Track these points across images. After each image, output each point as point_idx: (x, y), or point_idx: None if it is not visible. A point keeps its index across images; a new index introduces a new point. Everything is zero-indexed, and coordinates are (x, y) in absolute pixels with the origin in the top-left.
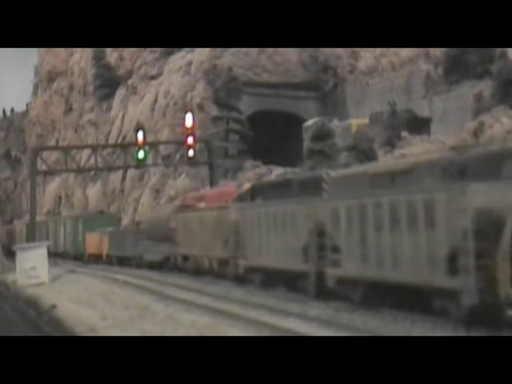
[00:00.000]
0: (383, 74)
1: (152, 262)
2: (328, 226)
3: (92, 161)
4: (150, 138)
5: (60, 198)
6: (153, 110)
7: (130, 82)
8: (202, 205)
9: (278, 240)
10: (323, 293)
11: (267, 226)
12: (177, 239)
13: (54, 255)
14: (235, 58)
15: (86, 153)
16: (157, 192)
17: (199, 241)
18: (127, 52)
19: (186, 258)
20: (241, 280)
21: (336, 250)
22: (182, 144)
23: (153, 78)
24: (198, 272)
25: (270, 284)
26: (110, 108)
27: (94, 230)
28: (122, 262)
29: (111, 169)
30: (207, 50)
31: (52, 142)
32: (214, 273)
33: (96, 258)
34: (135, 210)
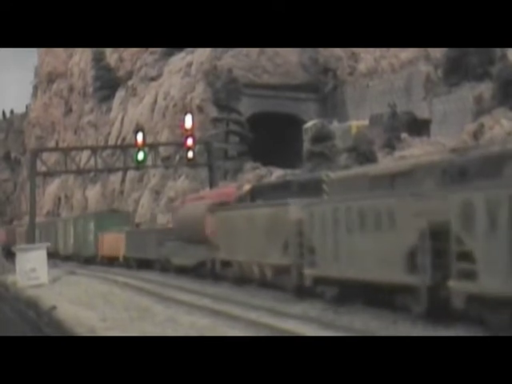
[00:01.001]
0: (383, 76)
1: (182, 267)
2: (455, 225)
3: (92, 162)
4: (149, 140)
5: (59, 199)
6: (152, 111)
7: (129, 83)
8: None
9: (367, 244)
10: (439, 313)
11: (348, 225)
12: (215, 242)
13: (65, 258)
14: (235, 60)
15: (85, 154)
16: (156, 193)
17: (246, 244)
18: (127, 53)
19: (226, 263)
20: (304, 292)
21: (466, 257)
22: (181, 145)
23: (152, 79)
24: (243, 281)
25: (347, 299)
26: (109, 109)
27: (106, 229)
28: (142, 265)
29: (111, 170)
30: (207, 51)
31: (52, 144)
32: (267, 283)
33: (110, 261)
34: (135, 211)
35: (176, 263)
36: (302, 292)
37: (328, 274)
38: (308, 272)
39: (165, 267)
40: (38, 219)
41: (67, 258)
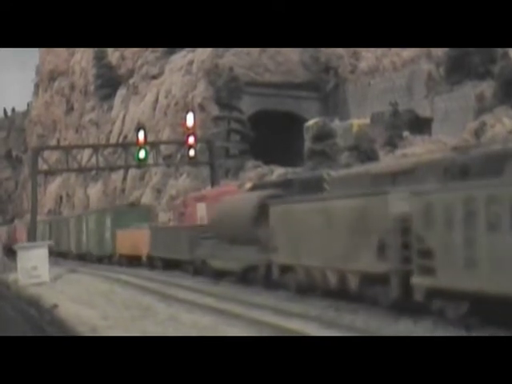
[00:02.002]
0: (385, 74)
1: (224, 271)
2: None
3: (93, 160)
4: (151, 138)
5: (61, 197)
6: (154, 109)
7: (131, 81)
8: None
9: None
10: None
11: (492, 220)
12: (271, 242)
13: (78, 257)
14: (237, 58)
15: (87, 152)
16: (158, 192)
17: (317, 245)
18: (128, 52)
19: (287, 268)
20: (407, 307)
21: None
22: (183, 144)
23: (154, 77)
24: (311, 290)
25: (480, 319)
26: (111, 108)
27: (125, 225)
28: (170, 265)
29: (112, 168)
30: (208, 49)
31: (53, 142)
32: (350, 294)
33: (130, 260)
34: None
35: (216, 266)
36: (404, 307)
37: (455, 285)
38: (419, 281)
39: (199, 270)
40: (40, 217)
41: (80, 257)
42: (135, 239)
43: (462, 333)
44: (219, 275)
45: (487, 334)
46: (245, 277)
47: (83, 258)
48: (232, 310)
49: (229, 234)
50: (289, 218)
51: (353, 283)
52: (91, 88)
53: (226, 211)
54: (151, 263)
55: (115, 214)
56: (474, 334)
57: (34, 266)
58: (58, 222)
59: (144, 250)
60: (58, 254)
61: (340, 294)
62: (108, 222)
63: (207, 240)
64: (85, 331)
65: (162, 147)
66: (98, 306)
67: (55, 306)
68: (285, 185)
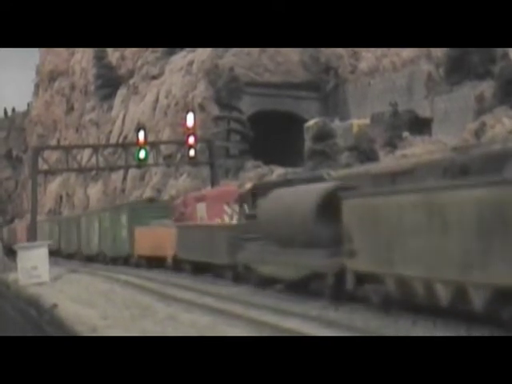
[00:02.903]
0: (384, 75)
1: (278, 279)
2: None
3: (93, 160)
4: (151, 138)
5: (61, 197)
6: (154, 109)
7: (131, 81)
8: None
9: None
10: None
11: None
12: (345, 244)
13: (86, 259)
14: (237, 58)
15: (87, 152)
16: (158, 192)
17: (419, 248)
18: (129, 52)
19: (368, 278)
20: None
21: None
22: (183, 144)
23: (154, 77)
24: (403, 305)
25: None
26: (111, 108)
27: (143, 223)
28: (202, 269)
29: (112, 168)
30: (209, 49)
31: (53, 142)
32: (472, 315)
33: (149, 261)
34: None
35: (264, 273)
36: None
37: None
38: None
39: (241, 277)
40: (48, 216)
41: (89, 259)
42: (158, 238)
43: (464, 332)
44: (267, 283)
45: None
46: (303, 286)
47: (94, 259)
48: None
49: (282, 234)
50: (373, 215)
51: (478, 300)
52: (91, 88)
53: (279, 207)
54: (178, 266)
55: (132, 211)
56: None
57: (34, 266)
58: (67, 221)
59: (169, 251)
60: (67, 256)
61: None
62: (124, 219)
63: (252, 242)
64: (84, 331)
65: (162, 147)
66: (98, 306)
67: (55, 305)
68: (285, 185)
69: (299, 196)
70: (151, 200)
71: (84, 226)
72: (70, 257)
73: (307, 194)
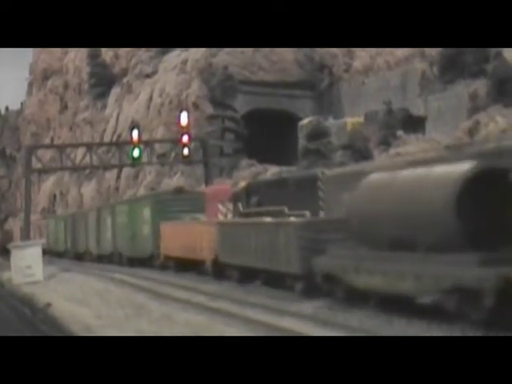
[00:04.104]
0: (379, 73)
1: (379, 293)
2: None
3: (87, 159)
4: (145, 137)
5: (55, 196)
6: (148, 108)
7: (125, 80)
8: None
9: None
10: None
11: None
12: None
13: (98, 260)
14: (231, 57)
15: (80, 151)
16: (152, 190)
17: None
18: (122, 50)
19: None
20: None
21: None
22: (177, 142)
23: (148, 76)
24: None
25: None
26: (105, 106)
27: (171, 218)
28: (252, 277)
29: (106, 167)
30: (203, 48)
31: (47, 141)
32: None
33: (179, 264)
34: None
35: (360, 285)
36: None
37: None
38: None
39: (318, 289)
40: (34, 215)
41: (100, 259)
42: (192, 237)
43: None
44: (357, 298)
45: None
46: (442, 310)
47: (103, 260)
48: None
49: (392, 234)
50: None
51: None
52: (85, 86)
53: (383, 198)
54: (219, 272)
55: (157, 203)
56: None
57: (27, 265)
58: (74, 218)
59: (208, 253)
60: (75, 256)
61: None
62: (147, 213)
63: (338, 243)
64: (79, 330)
65: (156, 146)
66: (92, 305)
67: (48, 304)
68: (279, 183)
69: (422, 182)
70: (179, 190)
71: (93, 222)
72: (78, 257)
73: (435, 178)
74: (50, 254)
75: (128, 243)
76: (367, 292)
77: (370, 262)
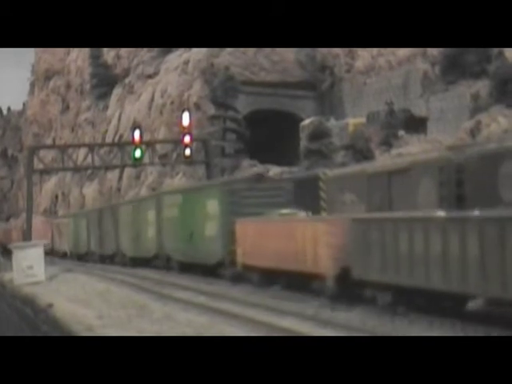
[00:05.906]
0: (380, 73)
1: None
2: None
3: (89, 160)
4: (146, 137)
5: (57, 196)
6: (150, 108)
7: (126, 80)
8: None
9: None
10: None
11: None
12: None
13: (132, 263)
14: (232, 57)
15: (82, 152)
16: (154, 191)
17: None
18: (124, 51)
19: None
20: None
21: None
22: (178, 143)
23: (150, 76)
24: None
25: None
26: (106, 107)
27: (247, 213)
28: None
29: (108, 168)
30: (204, 48)
31: (49, 141)
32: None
33: (267, 277)
34: None
35: None
36: None
37: None
38: None
39: None
40: (34, 215)
41: (135, 263)
42: (297, 241)
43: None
44: None
45: None
46: None
47: (142, 263)
48: None
49: None
50: None
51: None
52: (87, 87)
53: None
54: (350, 293)
55: (230, 194)
56: None
57: (29, 266)
58: (100, 213)
59: (328, 266)
60: (100, 259)
61: None
62: (214, 206)
63: None
64: (80, 330)
65: (158, 146)
66: (94, 305)
67: (50, 305)
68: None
69: None
70: (260, 178)
71: (127, 217)
72: (102, 260)
73: None
74: (71, 257)
75: (182, 244)
76: None
77: None
